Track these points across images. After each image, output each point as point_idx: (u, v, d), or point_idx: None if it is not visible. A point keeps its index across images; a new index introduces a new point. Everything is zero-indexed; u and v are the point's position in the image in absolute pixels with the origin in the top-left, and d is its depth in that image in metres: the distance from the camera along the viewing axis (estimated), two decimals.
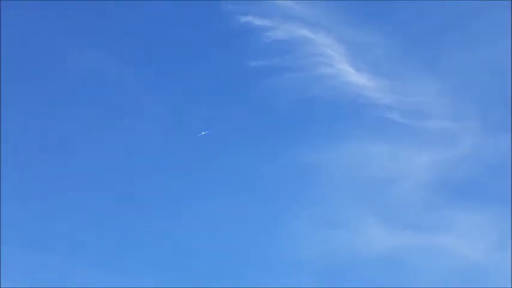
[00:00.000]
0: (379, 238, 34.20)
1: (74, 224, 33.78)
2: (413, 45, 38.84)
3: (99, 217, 34.49)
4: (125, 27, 39.19)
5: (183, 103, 38.11)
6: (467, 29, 38.55)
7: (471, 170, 35.94)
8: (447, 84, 37.96)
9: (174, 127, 37.42)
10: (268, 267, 33.59)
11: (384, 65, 38.43)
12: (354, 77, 37.86)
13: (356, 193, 35.90)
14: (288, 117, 37.95)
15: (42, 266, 32.02)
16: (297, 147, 37.07)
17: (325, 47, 38.22)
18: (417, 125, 37.22)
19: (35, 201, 34.36)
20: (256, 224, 34.93)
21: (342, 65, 38.07)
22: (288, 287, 32.60)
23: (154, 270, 32.94)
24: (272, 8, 38.73)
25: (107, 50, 38.43)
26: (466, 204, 35.06)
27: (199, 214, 35.09)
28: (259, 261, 33.92)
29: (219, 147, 37.28)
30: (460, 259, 33.44)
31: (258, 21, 38.30)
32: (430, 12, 39.03)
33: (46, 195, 34.67)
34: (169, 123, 37.38)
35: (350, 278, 33.27)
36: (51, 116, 36.84)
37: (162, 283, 32.30)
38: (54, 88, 37.66)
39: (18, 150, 35.35)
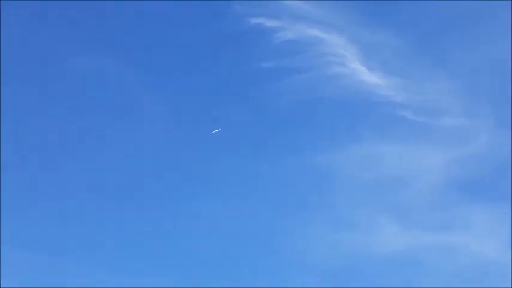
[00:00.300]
0: (392, 238, 34.25)
1: (74, 224, 33.86)
2: (424, 43, 39.06)
3: (100, 218, 34.47)
4: (132, 28, 39.40)
5: (193, 104, 38.43)
6: (478, 26, 38.64)
7: (485, 168, 36.08)
8: (459, 82, 38.11)
9: (183, 128, 37.66)
10: (280, 270, 33.60)
11: (396, 64, 38.72)
12: (366, 76, 38.12)
13: (369, 193, 35.97)
14: (299, 118, 38.26)
15: (42, 267, 32.22)
16: (309, 148, 37.30)
17: (337, 46, 38.34)
18: (430, 122, 37.48)
19: (35, 203, 34.49)
20: (268, 226, 35.00)
21: (354, 64, 38.34)
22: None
23: (160, 273, 32.97)
24: (282, 8, 38.83)
25: (114, 52, 38.89)
26: (480, 203, 35.11)
27: (209, 216, 35.18)
28: (271, 264, 33.92)
29: (230, 148, 37.41)
30: (474, 258, 33.44)
31: (268, 22, 38.39)
32: (440, 11, 39.12)
33: (47, 196, 34.83)
34: (177, 125, 37.61)
35: (364, 278, 33.40)
36: (52, 116, 36.98)
37: (167, 284, 32.37)
38: (54, 89, 37.84)
39: (18, 152, 35.34)
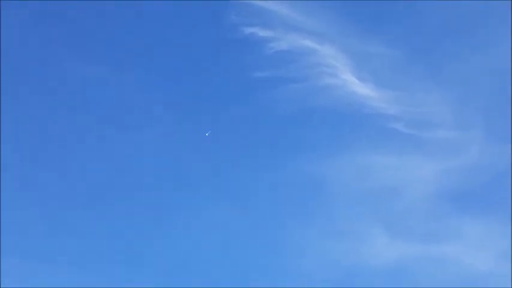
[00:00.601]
0: (384, 248, 34.27)
1: (75, 228, 34.01)
2: (417, 54, 38.61)
3: (100, 218, 34.57)
4: (126, 34, 39.16)
5: (185, 113, 38.02)
6: (473, 36, 38.58)
7: (477, 180, 35.81)
8: (451, 93, 37.78)
9: (175, 137, 37.01)
10: (272, 278, 33.44)
11: (388, 75, 38.38)
12: (358, 87, 37.85)
13: (361, 203, 35.86)
14: (291, 128, 38.11)
15: (41, 269, 32.29)
16: (301, 158, 36.86)
17: (329, 57, 38.05)
18: (422, 135, 36.99)
19: (36, 209, 34.31)
20: (259, 235, 34.93)
21: (345, 75, 38.04)
22: None
23: (156, 278, 33.03)
24: (275, 19, 38.71)
25: (110, 58, 38.35)
26: (472, 214, 34.87)
27: (203, 223, 35.00)
28: (263, 272, 33.65)
29: (221, 157, 37.04)
30: (466, 269, 33.24)
31: (261, 32, 38.36)
32: (434, 21, 38.99)
33: (47, 203, 34.60)
34: (170, 134, 37.04)
35: None
36: (52, 121, 36.58)
37: None
38: (54, 94, 37.21)
39: (17, 158, 35.14)
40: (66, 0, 37.62)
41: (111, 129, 36.54)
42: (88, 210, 34.10)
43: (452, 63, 38.15)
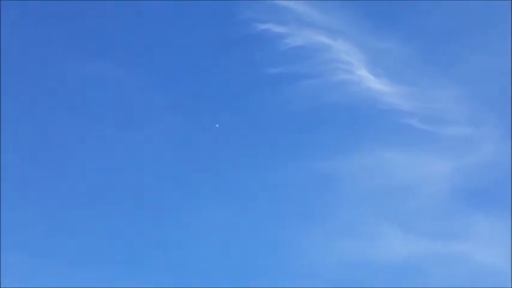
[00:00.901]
0: (397, 246, 33.94)
1: (75, 228, 33.80)
2: (431, 50, 38.33)
3: (100, 219, 34.23)
4: (134, 30, 38.59)
5: (196, 110, 37.54)
6: (487, 33, 38.31)
7: (490, 177, 35.36)
8: (465, 90, 37.38)
9: (184, 135, 36.73)
10: (282, 278, 32.99)
11: (402, 71, 38.07)
12: (373, 83, 37.55)
13: (373, 201, 35.53)
14: (305, 124, 37.73)
15: (41, 269, 32.02)
16: (314, 154, 36.58)
17: (344, 53, 37.74)
18: (436, 131, 36.70)
19: (36, 209, 34.05)
20: (269, 234, 34.50)
21: (360, 71, 37.78)
22: None
23: (160, 279, 32.69)
24: (289, 15, 38.41)
25: (115, 55, 37.77)
26: (486, 212, 34.44)
27: (209, 223, 34.51)
28: (272, 272, 33.37)
29: (233, 154, 36.71)
30: (479, 267, 32.87)
31: (275, 29, 38.04)
32: (448, 17, 38.85)
33: (47, 203, 34.38)
34: (179, 131, 36.69)
35: (366, 287, 32.74)
36: (53, 121, 36.10)
37: None
38: (53, 90, 36.83)
39: (17, 158, 34.64)
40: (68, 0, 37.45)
41: (112, 128, 36.47)
42: (88, 210, 33.95)
43: (466, 60, 37.91)
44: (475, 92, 37.11)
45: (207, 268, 32.99)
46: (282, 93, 37.72)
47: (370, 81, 37.54)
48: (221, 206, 34.80)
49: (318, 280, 32.48)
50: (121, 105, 36.71)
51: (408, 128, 36.87)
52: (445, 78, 37.63)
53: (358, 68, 37.82)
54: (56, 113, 36.02)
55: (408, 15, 38.49)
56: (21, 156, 34.70)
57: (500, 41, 37.80)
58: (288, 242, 34.12)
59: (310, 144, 37.06)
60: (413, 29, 38.22)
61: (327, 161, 36.11)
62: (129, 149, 35.98)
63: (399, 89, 37.49)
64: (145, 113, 36.75)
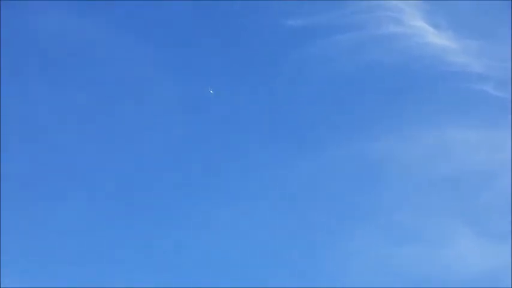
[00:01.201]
0: (471, 254, 30.24)
1: (73, 224, 32.00)
2: None
3: (100, 216, 32.61)
4: None
5: (204, 79, 34.45)
6: None
7: None
8: None
9: (191, 115, 34.06)
10: None
11: (472, 21, 34.81)
12: (433, 36, 34.34)
13: (437, 195, 31.91)
14: (340, 93, 34.55)
15: (42, 270, 30.86)
16: (354, 134, 33.48)
17: None
18: None
19: (33, 201, 32.55)
20: (299, 238, 31.16)
21: (415, 21, 34.57)
22: None
23: (160, 279, 30.96)
24: None
25: (117, 21, 35.36)
26: None
27: (232, 221, 31.65)
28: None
29: (251, 136, 33.69)
30: None
31: None
32: None
33: (47, 203, 32.73)
34: (185, 108, 34.24)
35: None
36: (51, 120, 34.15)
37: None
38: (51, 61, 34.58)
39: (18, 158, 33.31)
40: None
41: (113, 105, 34.31)
42: (88, 210, 32.44)
43: None
44: None
45: (205, 268, 31.20)
46: (309, 53, 34.72)
47: (428, 34, 34.58)
48: (240, 201, 32.17)
49: None
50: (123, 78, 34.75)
51: (481, 96, 33.74)
52: None
53: (412, 18, 34.80)
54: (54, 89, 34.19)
55: None
56: (21, 156, 33.48)
57: None
58: (326, 249, 31.17)
59: (348, 120, 34.29)
60: None
61: (372, 142, 32.99)
62: (129, 148, 34.11)
63: (467, 44, 34.46)
64: (145, 84, 34.61)
